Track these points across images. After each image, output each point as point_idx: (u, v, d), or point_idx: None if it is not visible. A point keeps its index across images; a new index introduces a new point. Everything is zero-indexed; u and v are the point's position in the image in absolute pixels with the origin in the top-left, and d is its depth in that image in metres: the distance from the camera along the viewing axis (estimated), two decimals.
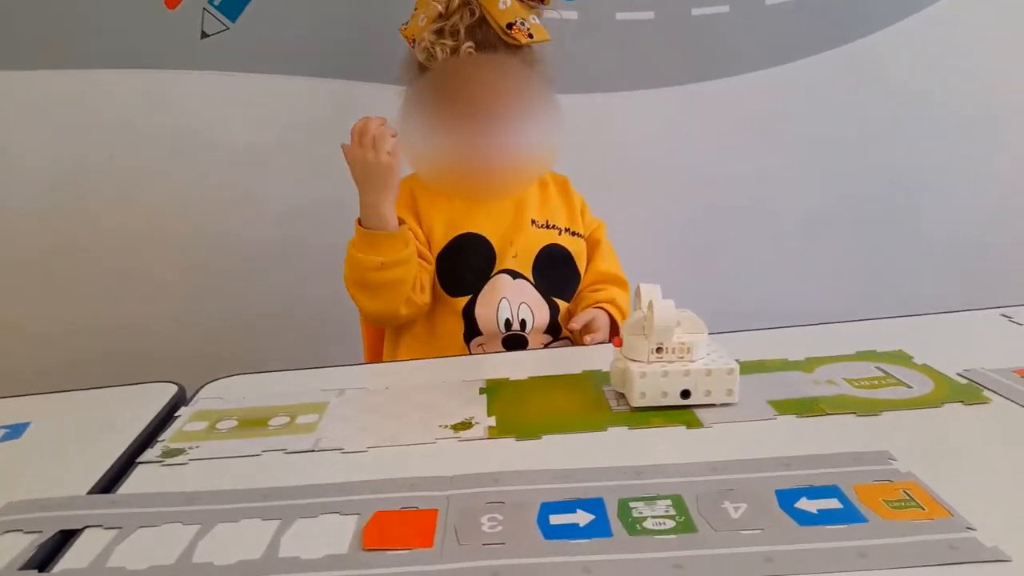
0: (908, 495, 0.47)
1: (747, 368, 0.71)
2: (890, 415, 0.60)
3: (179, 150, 1.28)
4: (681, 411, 0.63)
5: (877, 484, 0.49)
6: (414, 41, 0.91)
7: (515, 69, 0.90)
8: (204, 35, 1.22)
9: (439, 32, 0.87)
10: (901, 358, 0.72)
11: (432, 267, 0.97)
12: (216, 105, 1.26)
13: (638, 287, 0.67)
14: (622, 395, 0.67)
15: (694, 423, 0.61)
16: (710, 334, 0.66)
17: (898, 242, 1.47)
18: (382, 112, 0.95)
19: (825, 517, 0.45)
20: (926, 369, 0.69)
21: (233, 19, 1.22)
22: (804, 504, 0.47)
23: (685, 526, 0.46)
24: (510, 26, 0.87)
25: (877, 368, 0.70)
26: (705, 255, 1.43)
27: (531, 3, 0.90)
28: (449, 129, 0.86)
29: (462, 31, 0.87)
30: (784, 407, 0.62)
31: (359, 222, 0.90)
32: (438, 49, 0.87)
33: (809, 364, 0.72)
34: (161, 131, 1.26)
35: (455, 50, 0.87)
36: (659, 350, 0.64)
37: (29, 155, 1.25)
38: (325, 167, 1.30)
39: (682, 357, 0.64)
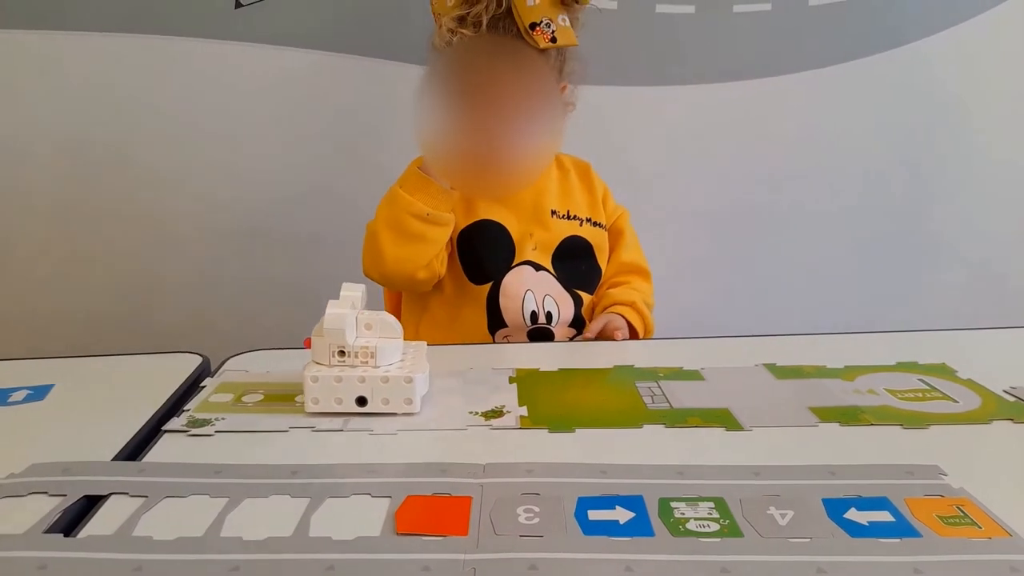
0: (962, 511, 0.46)
1: (784, 373, 0.70)
2: (937, 429, 0.58)
3: (203, 122, 1.27)
4: (719, 412, 0.61)
5: (929, 498, 0.47)
6: (439, 18, 0.89)
7: (530, 62, 0.86)
8: (239, 5, 1.21)
9: (461, 20, 0.85)
10: (944, 371, 0.70)
11: (448, 249, 0.94)
12: (245, 77, 1.25)
13: (343, 285, 0.64)
14: (660, 391, 0.65)
15: (733, 425, 0.59)
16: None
17: (924, 253, 1.44)
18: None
19: (877, 530, 0.44)
20: (971, 384, 0.67)
21: None
22: (854, 515, 0.45)
23: (731, 530, 0.44)
24: (533, 26, 0.83)
25: (920, 380, 0.68)
26: (729, 255, 1.41)
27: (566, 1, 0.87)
28: (456, 118, 0.83)
29: (484, 22, 0.84)
30: (826, 414, 0.60)
31: (417, 167, 0.89)
32: (456, 38, 0.85)
33: (849, 372, 0.70)
34: (183, 101, 1.25)
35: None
36: (342, 354, 0.61)
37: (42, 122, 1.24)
38: (353, 145, 1.29)
39: (365, 362, 0.61)
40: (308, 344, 0.63)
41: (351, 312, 0.61)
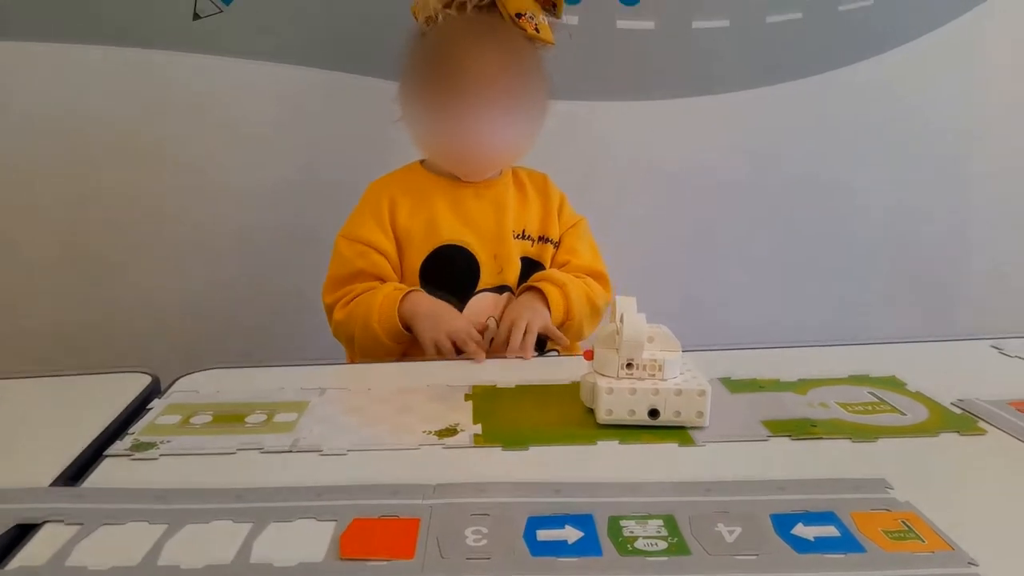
0: (907, 525, 0.46)
1: (740, 387, 0.70)
2: (885, 442, 0.59)
3: (163, 134, 1.25)
4: (673, 429, 0.61)
5: (875, 512, 0.47)
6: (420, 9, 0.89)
7: (517, 44, 0.88)
8: (196, 16, 1.19)
9: (447, 5, 0.86)
10: (894, 384, 0.71)
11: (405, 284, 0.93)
12: (206, 89, 1.23)
13: (614, 299, 0.65)
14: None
15: (686, 440, 0.59)
16: (691, 350, 0.64)
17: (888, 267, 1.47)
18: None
19: (823, 545, 0.44)
20: (920, 397, 0.68)
21: (227, 2, 1.19)
22: (801, 530, 0.45)
23: (678, 548, 0.44)
24: (519, 15, 0.86)
25: (870, 393, 0.68)
26: (692, 270, 1.42)
27: (543, 4, 0.89)
28: (441, 93, 0.85)
29: (469, 7, 0.85)
30: (777, 427, 0.61)
31: (400, 315, 0.87)
32: (441, 17, 0.85)
33: (802, 386, 0.70)
34: (140, 115, 1.23)
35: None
36: (629, 366, 0.62)
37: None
38: (314, 158, 1.28)
39: (653, 375, 0.62)
40: (588, 356, 0.64)
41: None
